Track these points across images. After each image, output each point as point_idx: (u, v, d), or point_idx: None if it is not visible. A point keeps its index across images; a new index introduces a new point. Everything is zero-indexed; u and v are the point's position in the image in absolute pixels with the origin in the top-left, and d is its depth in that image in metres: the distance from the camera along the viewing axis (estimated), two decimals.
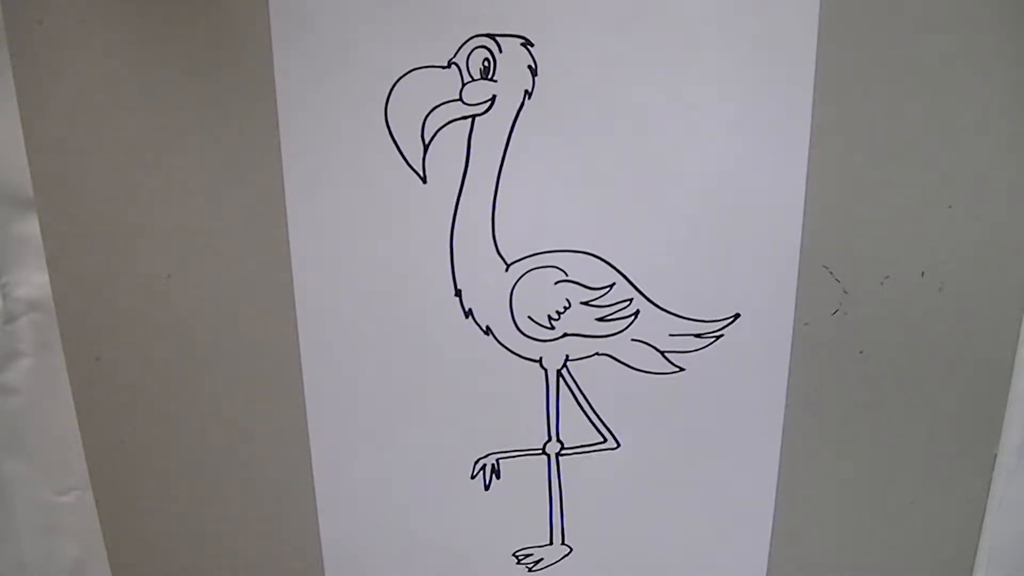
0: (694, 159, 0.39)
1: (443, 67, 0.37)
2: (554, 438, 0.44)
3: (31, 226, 0.40)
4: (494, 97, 0.38)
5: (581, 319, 0.41)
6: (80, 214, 0.40)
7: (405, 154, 0.39)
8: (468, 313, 0.41)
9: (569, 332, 0.42)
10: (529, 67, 0.38)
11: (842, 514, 0.45)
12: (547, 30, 0.37)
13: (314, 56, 0.37)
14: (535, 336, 0.42)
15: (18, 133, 0.38)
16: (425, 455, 0.44)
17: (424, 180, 0.39)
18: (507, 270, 0.41)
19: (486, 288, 0.41)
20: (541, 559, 0.46)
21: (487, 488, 0.45)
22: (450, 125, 0.38)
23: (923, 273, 0.41)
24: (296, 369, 0.42)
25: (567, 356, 0.42)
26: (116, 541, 0.45)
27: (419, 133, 0.39)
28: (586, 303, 0.41)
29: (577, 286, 0.41)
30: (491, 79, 0.38)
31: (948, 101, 0.39)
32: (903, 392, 0.43)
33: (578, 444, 0.44)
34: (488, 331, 0.42)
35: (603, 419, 0.44)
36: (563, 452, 0.44)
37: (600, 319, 0.42)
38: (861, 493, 0.45)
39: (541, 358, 0.42)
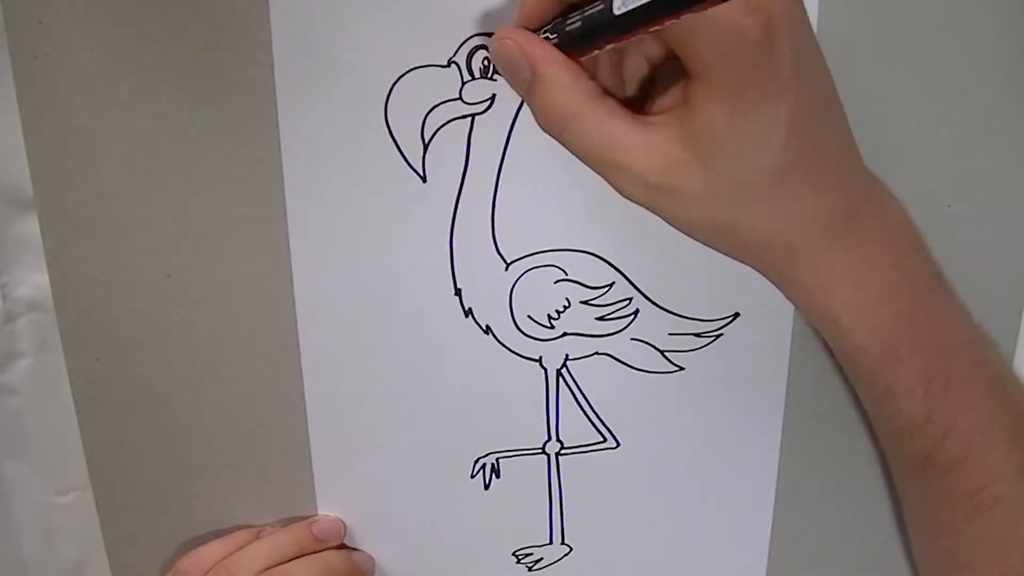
0: None
1: (443, 66, 0.37)
2: (554, 437, 0.44)
3: (31, 226, 0.40)
4: (494, 96, 0.38)
5: (581, 318, 0.42)
6: (80, 214, 0.40)
7: (405, 153, 0.39)
8: (468, 312, 0.41)
9: (569, 331, 0.42)
10: None
11: (842, 514, 0.45)
12: None
13: (314, 56, 0.38)
14: (535, 335, 0.42)
15: (18, 133, 0.38)
16: (425, 454, 0.44)
17: (424, 179, 0.39)
18: (507, 269, 0.41)
19: (486, 287, 0.41)
20: (541, 558, 0.46)
21: (487, 487, 0.45)
22: (450, 124, 0.39)
23: None
24: (296, 369, 0.42)
25: (567, 355, 0.42)
26: (116, 541, 0.45)
27: (419, 132, 0.39)
28: (586, 302, 0.41)
29: (577, 285, 0.41)
30: (491, 78, 0.38)
31: (948, 101, 0.39)
32: None
33: (578, 443, 0.44)
34: (488, 330, 0.42)
35: (603, 418, 0.44)
36: (563, 451, 0.44)
37: (600, 318, 0.42)
38: (861, 493, 0.45)
39: (541, 357, 0.42)
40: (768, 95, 0.30)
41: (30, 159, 0.39)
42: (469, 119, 0.39)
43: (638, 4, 0.28)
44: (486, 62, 0.38)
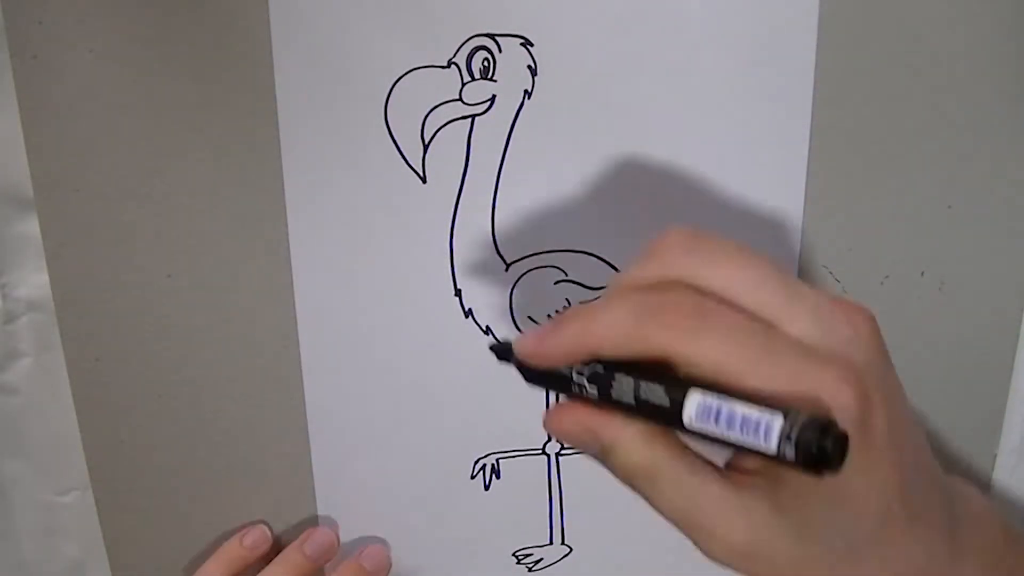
0: (694, 158, 0.39)
1: (443, 67, 0.37)
2: (554, 438, 0.44)
3: (31, 226, 0.40)
4: (494, 97, 0.38)
5: None
6: (80, 214, 0.40)
7: (405, 154, 0.39)
8: (468, 313, 0.41)
9: None
10: (529, 67, 0.38)
11: None
12: (547, 30, 0.37)
13: (314, 56, 0.38)
14: None
15: (18, 133, 0.38)
16: (425, 455, 0.44)
17: (424, 180, 0.39)
18: (507, 270, 0.41)
19: (486, 288, 0.41)
20: (541, 559, 0.46)
21: (487, 488, 0.45)
22: (450, 125, 0.39)
23: (923, 273, 0.41)
24: (296, 369, 0.42)
25: None
26: (116, 541, 0.45)
27: (419, 133, 0.39)
28: (586, 303, 0.41)
29: (577, 286, 0.41)
30: (491, 79, 0.38)
31: (948, 101, 0.39)
32: None
33: None
34: (488, 331, 0.42)
35: None
36: (563, 452, 0.44)
37: None
38: None
39: None
40: (866, 467, 0.29)
41: (30, 159, 0.39)
42: (469, 120, 0.39)
43: (718, 435, 0.26)
44: (486, 63, 0.38)
